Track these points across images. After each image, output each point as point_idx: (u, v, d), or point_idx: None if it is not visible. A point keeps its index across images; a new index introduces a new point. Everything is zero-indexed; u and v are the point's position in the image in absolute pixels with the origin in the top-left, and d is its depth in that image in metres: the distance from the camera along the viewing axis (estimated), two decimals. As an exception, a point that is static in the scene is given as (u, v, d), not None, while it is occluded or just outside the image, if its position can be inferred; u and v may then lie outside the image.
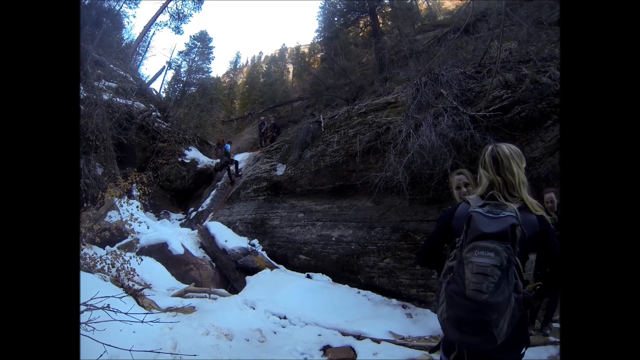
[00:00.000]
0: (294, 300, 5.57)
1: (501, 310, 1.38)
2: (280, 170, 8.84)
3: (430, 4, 20.75)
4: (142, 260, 5.86)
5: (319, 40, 21.00)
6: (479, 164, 1.78)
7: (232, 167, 11.88)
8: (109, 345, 2.48)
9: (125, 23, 19.28)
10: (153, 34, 21.14)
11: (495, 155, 1.70)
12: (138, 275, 5.70)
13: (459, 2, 15.75)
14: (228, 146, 11.98)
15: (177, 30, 19.91)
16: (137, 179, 6.62)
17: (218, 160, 12.67)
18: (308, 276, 6.84)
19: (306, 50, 30.17)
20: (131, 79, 15.40)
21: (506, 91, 5.67)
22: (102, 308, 2.73)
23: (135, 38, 20.40)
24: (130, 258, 5.42)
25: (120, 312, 2.79)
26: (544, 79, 5.41)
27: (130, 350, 2.47)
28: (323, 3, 19.11)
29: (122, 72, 14.65)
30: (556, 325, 4.64)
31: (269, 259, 7.58)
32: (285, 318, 5.16)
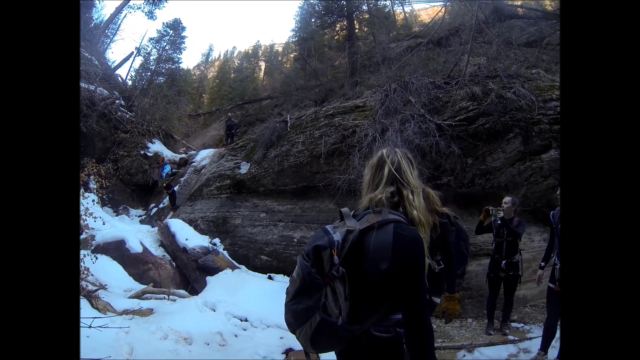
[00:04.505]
0: (255, 302, 5.49)
1: (296, 318, 1.37)
2: (244, 168, 8.67)
3: (407, 14, 21.24)
4: (97, 258, 5.57)
5: (294, 39, 20.97)
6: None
7: (167, 198, 10.21)
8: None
9: (96, 2, 18.27)
10: (124, 17, 19.91)
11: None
12: (92, 274, 5.46)
13: (435, 15, 16.24)
14: (167, 167, 10.11)
15: (150, 15, 19.04)
16: (95, 170, 6.30)
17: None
18: (269, 277, 6.76)
19: (280, 49, 30.09)
20: (96, 62, 14.57)
21: (472, 103, 5.90)
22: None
23: (105, 19, 19.23)
24: (84, 256, 5.16)
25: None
26: (509, 95, 5.68)
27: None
28: (302, 3, 19.10)
29: (87, 54, 13.82)
30: (514, 324, 4.91)
31: (230, 258, 7.41)
32: (246, 320, 5.08)
